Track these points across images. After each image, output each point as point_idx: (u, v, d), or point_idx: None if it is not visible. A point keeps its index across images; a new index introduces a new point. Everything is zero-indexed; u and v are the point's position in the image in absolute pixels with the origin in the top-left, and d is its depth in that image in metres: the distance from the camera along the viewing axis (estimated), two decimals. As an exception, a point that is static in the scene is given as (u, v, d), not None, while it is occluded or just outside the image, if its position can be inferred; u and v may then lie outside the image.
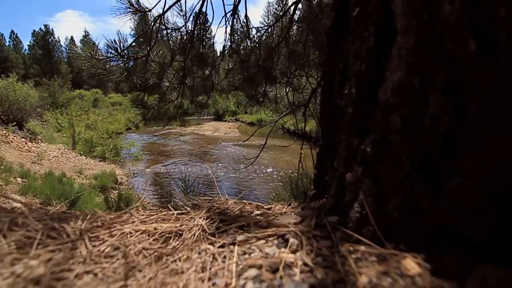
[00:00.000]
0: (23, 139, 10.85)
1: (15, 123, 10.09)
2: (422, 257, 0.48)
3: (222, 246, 0.67)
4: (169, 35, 3.23)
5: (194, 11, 3.22)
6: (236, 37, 3.63)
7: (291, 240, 0.63)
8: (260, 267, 0.53)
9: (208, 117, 27.32)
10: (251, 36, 3.79)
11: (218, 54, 3.86)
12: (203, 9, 3.30)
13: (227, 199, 1.10)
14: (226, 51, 3.73)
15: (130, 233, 0.80)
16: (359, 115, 0.68)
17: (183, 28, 3.31)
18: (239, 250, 0.64)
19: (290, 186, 2.06)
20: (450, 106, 0.50)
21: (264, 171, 9.85)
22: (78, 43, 46.74)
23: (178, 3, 3.08)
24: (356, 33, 0.68)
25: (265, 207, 1.02)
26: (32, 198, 3.46)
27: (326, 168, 0.93)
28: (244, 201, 1.07)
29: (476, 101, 0.48)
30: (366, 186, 0.61)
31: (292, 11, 3.64)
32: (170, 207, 0.98)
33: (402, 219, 0.55)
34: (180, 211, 0.96)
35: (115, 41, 2.51)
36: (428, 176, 0.52)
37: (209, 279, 0.53)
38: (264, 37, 4.11)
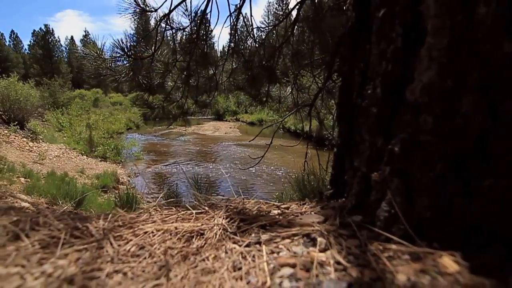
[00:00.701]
0: (24, 139, 10.85)
1: (16, 122, 10.08)
2: (459, 255, 0.48)
3: (248, 245, 0.67)
4: (174, 35, 3.23)
5: (199, 10, 3.23)
6: (242, 37, 3.63)
7: (319, 239, 0.63)
8: (293, 265, 0.54)
9: (209, 116, 27.32)
10: (255, 36, 3.79)
11: (222, 54, 3.87)
12: (208, 9, 3.31)
13: (243, 199, 1.10)
14: (231, 51, 3.73)
15: (153, 232, 0.80)
16: (385, 115, 0.68)
17: (187, 27, 3.31)
18: (267, 249, 0.64)
19: (298, 185, 2.06)
20: (484, 106, 0.50)
21: (265, 171, 9.86)
22: (78, 43, 46.76)
23: (184, 3, 3.09)
24: (381, 33, 0.68)
25: (282, 206, 1.02)
26: (38, 198, 3.47)
27: (344, 168, 0.93)
28: (261, 200, 1.08)
29: (511, 101, 0.48)
30: (395, 186, 0.61)
31: (296, 11, 3.64)
32: (188, 206, 0.99)
33: (433, 218, 0.55)
34: (199, 211, 0.96)
35: (121, 40, 2.51)
36: (461, 175, 0.52)
37: (242, 278, 0.54)
38: (267, 37, 4.11)
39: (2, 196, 2.05)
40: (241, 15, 3.57)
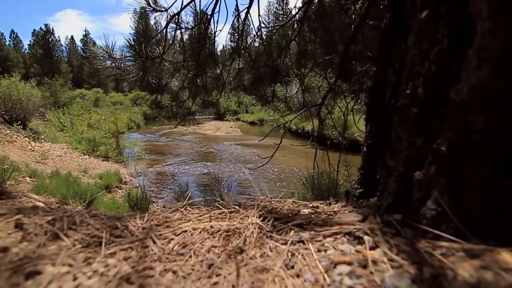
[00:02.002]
0: (26, 139, 10.85)
1: (19, 122, 10.08)
2: (518, 252, 0.49)
3: (293, 244, 0.68)
4: (182, 34, 3.24)
5: (208, 10, 3.23)
6: (250, 37, 3.64)
7: (365, 237, 0.64)
8: (349, 263, 0.54)
9: (209, 116, 27.31)
10: (263, 35, 3.80)
11: (229, 53, 3.87)
12: (216, 10, 3.31)
13: (271, 198, 1.11)
14: (238, 50, 3.74)
15: (191, 231, 0.81)
16: (426, 115, 0.69)
17: (195, 27, 3.32)
18: (313, 247, 0.65)
19: (311, 185, 2.07)
20: (538, 106, 0.51)
21: (268, 170, 9.87)
22: (78, 43, 46.70)
23: (192, 3, 3.09)
24: (423, 34, 0.69)
25: (311, 205, 1.03)
26: (48, 197, 3.47)
27: (375, 168, 0.94)
28: (289, 199, 1.08)
29: None
30: (442, 184, 0.62)
31: (303, 11, 3.64)
32: (219, 206, 0.99)
33: (485, 216, 0.56)
34: (231, 210, 0.97)
35: (133, 40, 2.52)
36: (513, 174, 0.53)
37: (299, 275, 0.54)
38: (274, 36, 4.12)
39: (17, 196, 2.06)
40: (243, 14, 3.57)
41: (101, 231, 0.79)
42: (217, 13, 3.42)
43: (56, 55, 41.10)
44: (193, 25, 3.29)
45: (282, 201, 1.08)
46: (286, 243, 0.68)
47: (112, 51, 2.82)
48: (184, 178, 8.44)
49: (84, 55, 45.17)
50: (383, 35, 0.87)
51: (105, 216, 0.91)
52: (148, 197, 1.94)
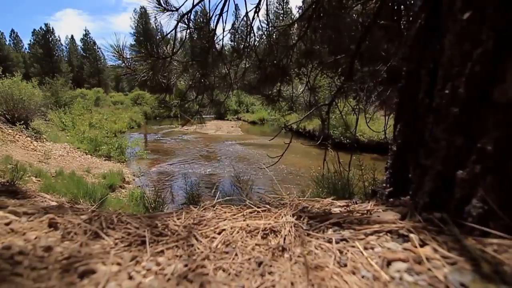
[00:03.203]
0: (28, 138, 10.85)
1: (22, 122, 10.09)
2: None
3: (337, 242, 0.69)
4: (191, 34, 3.24)
5: (217, 9, 3.23)
6: (253, 37, 3.65)
7: (411, 235, 0.65)
8: (405, 260, 0.55)
9: (210, 115, 27.29)
10: (269, 35, 3.80)
11: (238, 52, 3.87)
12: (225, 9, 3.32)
13: (297, 197, 1.12)
14: (246, 50, 3.74)
15: (229, 229, 0.82)
16: (467, 115, 0.70)
17: (204, 27, 3.32)
18: (360, 245, 0.66)
19: (326, 184, 2.08)
20: None
21: (270, 169, 9.86)
22: (78, 42, 46.65)
23: (201, 2, 3.10)
24: (465, 35, 0.70)
25: (340, 204, 1.04)
26: (58, 197, 3.47)
27: (405, 167, 0.95)
28: (317, 198, 1.09)
29: None
30: (488, 183, 0.63)
31: (311, 10, 3.65)
32: (250, 204, 1.00)
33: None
34: (263, 209, 0.97)
35: (143, 40, 2.52)
36: None
37: (354, 272, 0.55)
38: (279, 37, 4.12)
39: (32, 195, 2.06)
40: (256, 14, 3.57)
41: (141, 230, 0.80)
42: (226, 13, 3.43)
43: (56, 54, 41.06)
44: (202, 25, 3.30)
45: (309, 200, 1.09)
46: (330, 242, 0.69)
47: (122, 51, 2.83)
48: (187, 178, 8.45)
49: (85, 54, 45.18)
50: (417, 36, 0.88)
51: (141, 215, 0.92)
52: (163, 197, 1.94)
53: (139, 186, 8.56)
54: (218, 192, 1.06)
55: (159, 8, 2.71)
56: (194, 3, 2.87)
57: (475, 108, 0.69)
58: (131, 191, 7.33)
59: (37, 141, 11.05)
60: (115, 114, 20.29)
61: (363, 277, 0.53)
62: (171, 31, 2.97)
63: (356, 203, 1.07)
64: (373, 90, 3.16)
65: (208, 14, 3.21)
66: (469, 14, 0.69)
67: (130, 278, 0.58)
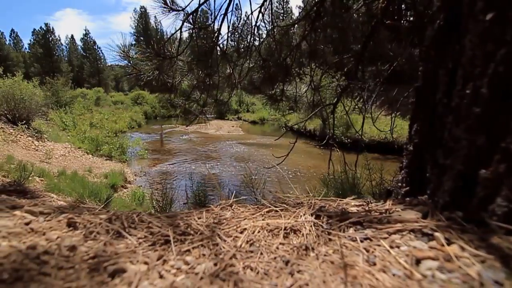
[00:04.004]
0: (30, 138, 10.85)
1: (24, 122, 10.09)
2: None
3: (361, 241, 0.70)
4: (196, 34, 3.25)
5: (222, 9, 3.24)
6: (261, 38, 3.65)
7: (436, 234, 0.66)
8: (435, 258, 0.56)
9: (210, 115, 27.26)
10: (275, 33, 3.81)
11: (241, 51, 3.87)
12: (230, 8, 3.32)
13: (313, 196, 1.12)
14: (250, 49, 3.75)
15: (251, 229, 0.82)
16: (490, 115, 0.71)
17: (209, 26, 3.33)
18: (385, 243, 0.66)
19: (335, 184, 2.09)
20: None
21: (272, 169, 9.88)
22: (78, 42, 46.63)
23: (206, 2, 3.10)
24: (488, 36, 0.70)
25: (356, 204, 1.04)
26: (63, 196, 3.47)
27: (422, 166, 0.95)
28: (332, 198, 1.10)
29: None
30: (514, 183, 0.63)
31: (316, 10, 3.65)
32: (267, 204, 1.01)
33: None
34: (280, 208, 0.98)
35: (153, 40, 2.53)
36: None
37: (384, 271, 0.56)
38: (285, 35, 4.13)
39: (40, 195, 2.07)
40: (261, 14, 3.58)
41: (164, 229, 0.80)
42: (230, 12, 3.43)
43: (56, 54, 41.04)
44: (206, 25, 3.31)
45: (324, 200, 1.10)
46: (355, 240, 0.70)
47: (129, 51, 2.83)
48: (192, 178, 8.45)
49: (85, 54, 45.15)
50: (435, 36, 0.89)
51: (161, 214, 0.92)
52: (170, 197, 1.95)
53: (140, 186, 8.57)
54: (234, 192, 1.07)
55: (166, 8, 2.71)
56: (200, 3, 2.87)
57: (497, 108, 0.69)
58: (133, 191, 7.33)
59: (38, 141, 11.04)
60: (115, 114, 20.28)
61: (394, 275, 0.54)
62: (177, 31, 2.97)
63: (371, 203, 1.08)
64: (377, 89, 3.17)
65: (213, 14, 3.21)
66: (492, 15, 0.69)
67: (161, 277, 0.59)
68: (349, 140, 11.85)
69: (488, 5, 0.71)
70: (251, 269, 0.63)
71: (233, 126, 22.69)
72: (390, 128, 2.63)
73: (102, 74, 44.91)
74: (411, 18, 2.22)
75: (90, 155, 11.42)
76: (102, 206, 2.09)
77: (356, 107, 3.55)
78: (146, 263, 0.66)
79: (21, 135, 10.46)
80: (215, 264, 0.61)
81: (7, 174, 4.23)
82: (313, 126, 16.80)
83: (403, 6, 2.48)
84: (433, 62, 0.91)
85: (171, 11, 2.73)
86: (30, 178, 4.94)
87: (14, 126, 10.60)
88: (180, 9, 2.82)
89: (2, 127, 10.12)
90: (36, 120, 12.04)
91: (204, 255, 0.66)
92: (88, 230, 0.84)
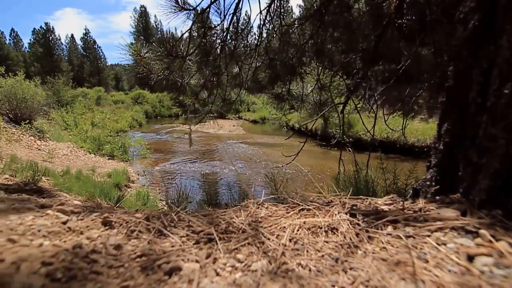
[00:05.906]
0: (32, 137, 10.85)
1: (27, 121, 10.10)
2: None
3: (407, 238, 0.71)
4: (206, 33, 3.25)
5: (231, 8, 3.24)
6: (270, 37, 3.66)
7: (481, 231, 0.67)
8: (489, 255, 0.57)
9: (212, 114, 27.21)
10: (283, 32, 3.81)
11: (249, 51, 3.88)
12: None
13: (339, 195, 1.14)
14: (257, 49, 3.75)
15: (291, 227, 0.83)
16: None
17: (218, 26, 3.33)
18: (432, 241, 0.68)
19: (350, 183, 2.10)
20: None
21: (273, 169, 9.89)
22: (78, 41, 46.54)
23: (216, 2, 3.11)
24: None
25: (387, 203, 1.05)
26: (75, 196, 3.48)
27: (455, 165, 0.97)
28: (361, 197, 1.11)
29: None
30: (559, 181, 0.65)
31: (323, 9, 3.65)
32: (299, 203, 1.02)
33: None
34: (313, 207, 0.99)
35: (165, 39, 2.53)
36: None
37: (438, 267, 0.57)
38: (292, 35, 4.13)
39: (56, 194, 2.08)
40: (269, 13, 3.58)
41: (206, 227, 0.82)
42: (240, 11, 3.44)
43: (57, 53, 40.97)
44: (215, 24, 3.31)
45: (352, 198, 1.11)
46: (400, 238, 0.71)
47: (141, 51, 2.84)
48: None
49: (85, 53, 45.07)
50: (469, 36, 0.90)
51: (198, 213, 0.93)
52: (186, 196, 1.96)
53: (144, 185, 8.58)
54: (264, 191, 1.08)
55: (177, 7, 2.72)
56: (211, 2, 2.87)
57: (539, 108, 0.71)
58: (137, 190, 7.33)
59: (40, 140, 11.04)
60: (116, 113, 20.26)
61: (449, 271, 0.55)
62: (187, 30, 2.97)
63: (400, 202, 1.09)
64: (386, 89, 3.18)
65: (223, 13, 3.21)
66: (535, 16, 0.70)
67: (218, 274, 0.60)
68: (351, 139, 11.87)
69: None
70: (303, 267, 0.64)
71: (234, 125, 22.67)
72: (402, 127, 2.64)
73: (102, 74, 44.85)
74: (426, 18, 2.23)
75: (92, 155, 11.42)
76: (117, 205, 2.10)
77: (363, 106, 3.56)
78: (197, 261, 0.67)
79: (23, 135, 10.46)
80: (269, 262, 0.63)
81: (14, 173, 4.23)
82: (315, 126, 16.79)
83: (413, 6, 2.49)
84: (465, 62, 0.92)
85: (182, 10, 2.73)
86: (37, 178, 4.95)
87: (16, 125, 10.59)
88: (191, 8, 2.82)
89: (4, 127, 10.12)
90: (38, 119, 12.03)
91: (252, 253, 0.68)
92: (129, 229, 0.86)
